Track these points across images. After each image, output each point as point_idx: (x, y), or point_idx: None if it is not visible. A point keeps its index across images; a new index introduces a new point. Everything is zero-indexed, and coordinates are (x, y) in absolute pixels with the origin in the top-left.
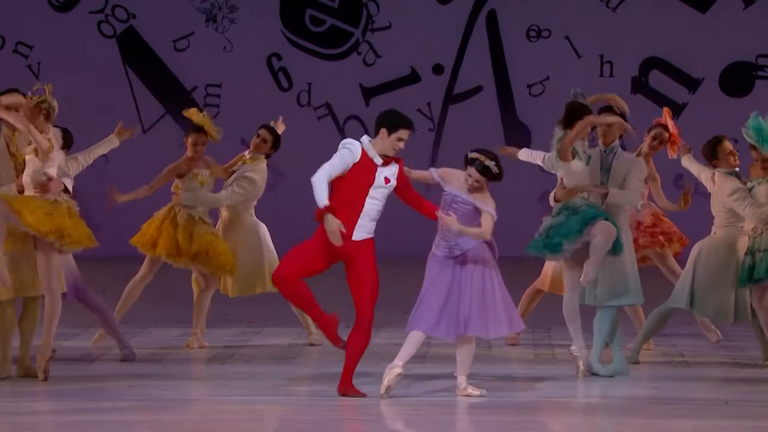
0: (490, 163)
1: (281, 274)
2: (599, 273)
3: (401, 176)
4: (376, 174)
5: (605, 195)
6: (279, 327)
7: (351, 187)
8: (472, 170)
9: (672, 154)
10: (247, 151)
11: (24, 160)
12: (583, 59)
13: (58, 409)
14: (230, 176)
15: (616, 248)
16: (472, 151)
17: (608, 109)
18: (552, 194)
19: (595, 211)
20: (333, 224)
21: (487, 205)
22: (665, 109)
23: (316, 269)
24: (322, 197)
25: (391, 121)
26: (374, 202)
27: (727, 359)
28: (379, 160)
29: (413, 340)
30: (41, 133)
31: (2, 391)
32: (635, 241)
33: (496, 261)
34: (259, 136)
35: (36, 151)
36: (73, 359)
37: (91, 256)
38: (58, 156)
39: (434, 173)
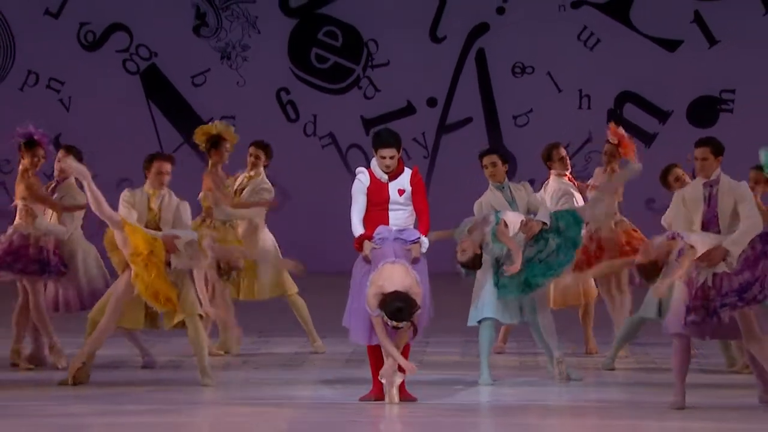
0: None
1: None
2: None
3: (414, 181)
4: (389, 190)
5: None
6: (286, 336)
7: (373, 207)
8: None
9: (631, 158)
10: (245, 171)
11: (158, 218)
12: (563, 93)
13: (85, 411)
14: (236, 194)
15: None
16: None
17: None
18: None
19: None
20: (366, 248)
21: None
22: (610, 124)
23: None
24: (356, 229)
25: (373, 142)
26: (398, 212)
27: (693, 366)
28: (385, 177)
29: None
30: None
31: (33, 394)
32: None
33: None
34: (251, 154)
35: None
36: (99, 366)
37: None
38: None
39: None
